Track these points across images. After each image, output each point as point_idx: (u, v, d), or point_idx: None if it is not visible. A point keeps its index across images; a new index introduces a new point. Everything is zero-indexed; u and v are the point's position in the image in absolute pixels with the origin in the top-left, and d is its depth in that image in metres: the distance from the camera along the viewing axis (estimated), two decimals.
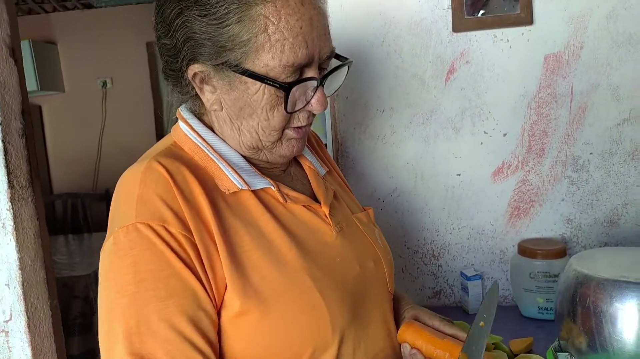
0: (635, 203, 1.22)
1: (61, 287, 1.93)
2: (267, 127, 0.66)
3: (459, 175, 1.25)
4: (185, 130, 0.70)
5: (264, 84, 0.62)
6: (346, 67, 0.69)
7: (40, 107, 3.92)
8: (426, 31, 1.19)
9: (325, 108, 0.66)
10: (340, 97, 1.23)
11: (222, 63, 0.62)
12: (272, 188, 0.68)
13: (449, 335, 0.72)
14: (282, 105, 0.63)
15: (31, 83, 3.52)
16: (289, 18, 0.60)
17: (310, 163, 0.79)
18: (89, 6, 4.21)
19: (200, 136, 0.69)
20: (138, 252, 0.59)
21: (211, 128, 0.71)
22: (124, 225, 0.60)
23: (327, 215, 0.72)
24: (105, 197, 3.24)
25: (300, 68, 0.63)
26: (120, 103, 3.84)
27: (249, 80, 0.62)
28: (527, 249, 1.18)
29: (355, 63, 1.23)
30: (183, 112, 0.72)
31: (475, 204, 1.26)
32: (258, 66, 0.61)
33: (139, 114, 3.81)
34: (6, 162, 1.23)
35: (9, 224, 1.25)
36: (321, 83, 0.65)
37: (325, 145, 1.27)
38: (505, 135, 1.22)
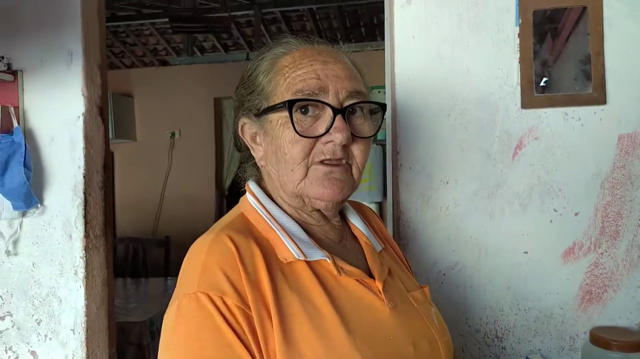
0: None
1: (118, 332, 1.98)
2: (291, 161, 0.70)
3: (526, 252, 1.20)
4: (252, 201, 0.76)
5: (278, 113, 0.70)
6: (381, 113, 0.76)
7: (112, 154, 4.20)
8: (494, 106, 1.19)
9: (345, 140, 0.69)
10: (403, 166, 1.24)
11: (253, 107, 0.74)
12: (328, 260, 0.70)
13: None
14: (303, 141, 0.70)
15: None
16: (303, 61, 0.71)
17: (366, 238, 0.80)
18: (164, 62, 4.56)
19: (264, 207, 0.75)
20: (197, 320, 0.63)
21: (269, 195, 0.78)
22: (188, 292, 0.64)
23: (381, 291, 0.72)
24: (164, 243, 3.36)
25: (316, 98, 0.70)
26: (186, 153, 4.06)
27: (271, 115, 0.72)
28: (600, 338, 1.10)
29: (420, 135, 1.24)
30: (250, 184, 0.80)
31: (544, 285, 1.20)
32: (274, 102, 0.72)
33: (202, 165, 4.01)
34: (85, 213, 1.32)
35: (81, 271, 1.32)
36: (340, 112, 0.69)
37: (383, 212, 1.26)
38: (576, 214, 1.17)
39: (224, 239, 0.67)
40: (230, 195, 4.18)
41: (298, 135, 0.69)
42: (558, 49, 1.16)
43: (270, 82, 0.72)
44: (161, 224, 4.03)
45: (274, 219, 0.73)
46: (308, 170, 0.70)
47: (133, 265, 3.17)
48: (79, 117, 1.34)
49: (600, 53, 1.13)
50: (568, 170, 1.17)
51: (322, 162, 0.70)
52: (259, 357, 0.62)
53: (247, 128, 0.76)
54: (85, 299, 1.32)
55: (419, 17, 1.22)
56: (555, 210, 1.18)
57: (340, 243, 0.77)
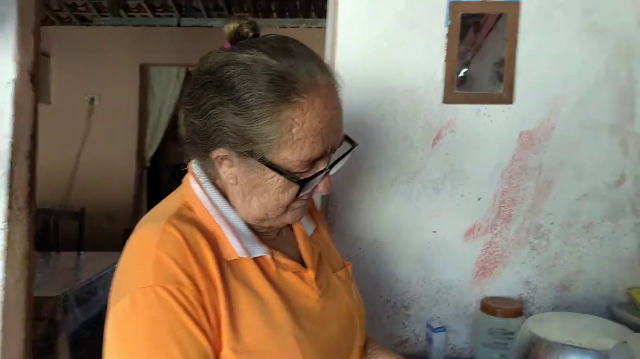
0: (587, 272, 1.34)
1: None
2: (277, 205, 0.72)
3: (435, 232, 1.35)
4: (198, 192, 0.75)
5: (280, 174, 0.69)
6: (351, 151, 0.77)
7: None
8: (419, 99, 1.31)
9: (329, 191, 0.74)
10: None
11: (246, 152, 0.69)
12: (268, 256, 0.75)
13: None
14: (294, 190, 0.71)
15: None
16: (313, 120, 0.67)
17: (300, 224, 0.85)
18: (83, 19, 4.23)
19: (211, 201, 0.74)
20: (155, 313, 0.63)
21: (222, 193, 0.76)
22: (143, 286, 0.64)
23: (313, 280, 0.79)
24: (79, 216, 3.16)
25: (314, 160, 0.70)
26: (105, 121, 3.83)
27: (268, 169, 0.69)
28: (488, 306, 1.26)
29: (352, 121, 1.32)
30: (196, 170, 0.77)
31: (447, 260, 1.35)
32: (278, 158, 0.68)
33: (123, 134, 3.81)
34: (10, 183, 1.25)
35: (1, 244, 1.26)
36: (329, 170, 0.72)
37: None
38: (479, 199, 1.34)
39: (171, 230, 0.68)
40: (153, 166, 4.01)
41: (288, 182, 0.69)
42: (477, 42, 1.27)
43: (274, 130, 0.66)
44: (74, 195, 3.80)
45: (220, 213, 0.74)
46: (287, 207, 0.74)
47: (43, 238, 2.96)
48: (8, 83, 1.26)
49: (513, 57, 1.28)
50: (476, 160, 1.32)
51: (299, 200, 0.74)
52: (215, 346, 0.66)
53: (220, 153, 0.71)
54: (4, 272, 1.27)
55: (360, 12, 1.30)
56: (462, 195, 1.34)
57: (278, 234, 0.82)
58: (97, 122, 3.85)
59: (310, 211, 0.93)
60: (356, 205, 1.35)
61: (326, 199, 1.34)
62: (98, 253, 2.86)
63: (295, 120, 0.66)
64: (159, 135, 3.90)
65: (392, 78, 1.31)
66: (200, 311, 0.65)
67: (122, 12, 4.09)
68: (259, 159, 0.69)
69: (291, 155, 0.68)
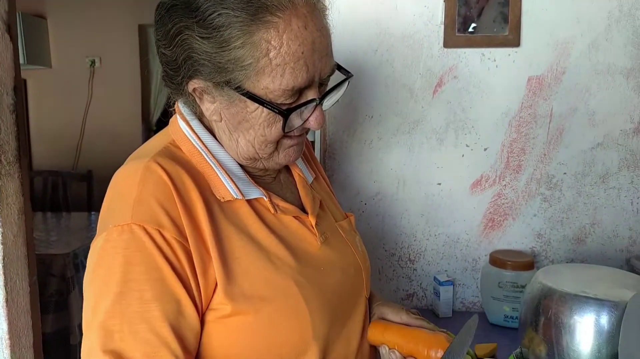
0: (602, 224, 1.29)
1: (38, 264, 1.93)
2: (264, 141, 0.67)
3: (440, 184, 1.30)
4: (185, 130, 0.70)
5: (263, 106, 0.63)
6: (346, 82, 0.70)
7: (25, 81, 3.86)
8: (418, 44, 1.24)
9: (322, 126, 0.68)
10: None
11: (223, 82, 0.63)
12: (265, 198, 0.70)
13: (416, 327, 0.76)
14: (280, 123, 0.65)
15: None
16: (291, 43, 0.60)
17: (299, 170, 0.81)
18: None
19: (199, 139, 0.70)
20: (129, 253, 0.60)
21: (210, 131, 0.71)
22: (119, 224, 0.61)
23: (313, 226, 0.74)
24: (87, 178, 3.21)
25: (300, 90, 0.64)
26: (107, 83, 3.79)
27: (250, 101, 0.63)
28: (497, 259, 1.24)
29: (349, 69, 1.27)
30: (183, 109, 0.72)
31: (453, 213, 1.31)
32: (258, 88, 0.62)
33: (126, 97, 3.78)
34: None
35: None
36: (320, 102, 0.66)
37: (313, 143, 1.30)
38: (485, 149, 1.28)
39: (156, 168, 0.63)
40: (159, 129, 3.97)
41: (273, 115, 0.64)
42: None
43: (248, 55, 0.61)
44: (82, 158, 3.82)
45: (211, 154, 0.69)
46: (279, 144, 0.68)
47: (53, 198, 3.02)
48: None
49: None
50: (481, 108, 1.26)
51: (291, 137, 0.68)
52: (197, 293, 0.62)
53: (196, 84, 0.65)
54: (0, 228, 1.27)
55: None
56: (467, 145, 1.28)
57: (275, 179, 0.78)
58: (100, 85, 3.81)
59: (309, 160, 0.89)
60: (355, 157, 1.30)
61: (324, 151, 1.30)
62: None
63: (271, 42, 0.60)
64: (163, 99, 3.87)
65: (389, 22, 1.23)
66: (182, 256, 0.61)
67: None
68: (236, 89, 0.63)
69: (272, 84, 0.62)
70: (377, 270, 1.35)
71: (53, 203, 3.17)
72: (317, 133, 1.32)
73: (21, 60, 3.50)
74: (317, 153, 1.33)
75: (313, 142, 1.34)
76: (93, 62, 3.80)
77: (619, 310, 0.88)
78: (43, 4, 3.80)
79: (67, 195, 3.12)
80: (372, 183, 1.31)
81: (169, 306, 0.60)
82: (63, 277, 2.11)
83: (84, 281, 0.64)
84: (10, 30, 1.26)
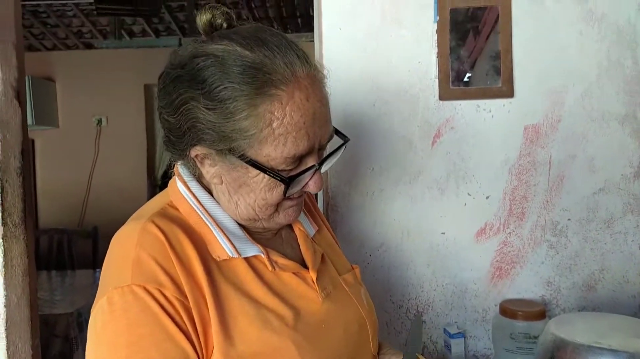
0: (611, 270, 1.27)
1: (42, 325, 1.90)
2: (265, 204, 0.68)
3: (444, 233, 1.30)
4: (183, 191, 0.72)
5: (264, 173, 0.65)
6: (343, 146, 0.72)
7: (33, 141, 3.95)
8: (415, 97, 1.27)
9: (320, 189, 0.70)
10: None
11: (226, 150, 0.65)
12: (262, 255, 0.70)
13: None
14: (281, 188, 0.66)
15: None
16: (294, 114, 0.63)
17: (300, 224, 0.81)
18: (89, 45, 4.33)
19: (197, 199, 0.71)
20: (133, 315, 0.60)
21: (209, 191, 0.73)
22: (120, 286, 0.61)
23: (314, 281, 0.74)
24: (92, 235, 3.23)
25: (301, 157, 0.66)
26: (114, 142, 3.89)
27: (252, 168, 0.65)
28: (508, 309, 1.21)
29: (348, 124, 1.30)
30: (182, 170, 0.73)
31: (459, 262, 1.30)
32: (260, 155, 0.64)
33: (132, 154, 3.86)
34: (2, 200, 1.25)
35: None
36: (319, 167, 0.68)
37: (316, 195, 1.32)
38: (487, 197, 1.28)
39: (152, 229, 0.65)
40: (164, 184, 4.02)
41: (274, 180, 0.66)
42: (478, 46, 1.24)
43: (252, 125, 0.62)
44: (88, 215, 3.86)
45: (208, 213, 0.70)
46: (277, 207, 0.70)
47: (58, 257, 3.02)
48: None
49: (509, 50, 1.24)
50: (480, 157, 1.27)
51: (291, 198, 0.71)
52: (199, 351, 0.62)
53: (199, 151, 0.67)
54: (4, 290, 1.26)
55: (344, 10, 1.27)
56: (469, 194, 1.29)
57: (276, 234, 0.78)
58: (106, 143, 3.91)
59: (312, 213, 0.90)
60: (358, 210, 1.30)
61: (326, 204, 1.30)
62: None
63: (275, 114, 0.62)
64: (168, 154, 3.93)
65: (384, 77, 1.27)
66: (183, 314, 0.61)
67: (124, 35, 4.17)
68: (240, 156, 0.65)
69: (274, 152, 0.64)
70: (385, 323, 1.32)
71: (58, 261, 3.17)
72: None
73: (29, 121, 3.61)
74: (320, 207, 1.34)
75: (316, 195, 1.35)
76: (100, 121, 3.91)
77: None
78: (52, 67, 3.96)
79: (72, 253, 3.12)
80: (376, 234, 1.31)
81: None
82: (66, 337, 2.07)
83: (87, 347, 0.63)
84: (19, 95, 1.31)
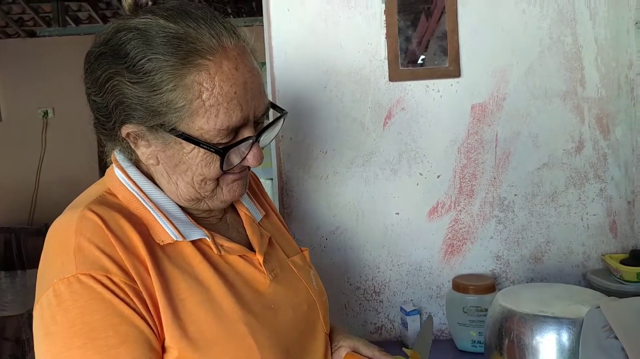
0: (557, 241, 1.32)
1: None
2: (203, 179, 0.67)
3: (397, 214, 1.32)
4: (121, 177, 0.70)
5: (199, 147, 0.64)
6: (282, 119, 0.72)
7: None
8: (365, 79, 1.28)
9: (260, 163, 0.69)
10: (285, 137, 1.28)
11: (157, 125, 0.64)
12: (207, 239, 0.69)
13: None
14: (218, 162, 0.65)
15: None
16: (223, 84, 0.62)
17: (246, 209, 0.81)
18: (31, 34, 4.11)
19: (136, 184, 0.69)
20: (83, 303, 0.58)
21: (148, 176, 0.71)
22: (64, 276, 0.59)
23: (261, 263, 0.74)
24: (42, 233, 3.09)
25: (236, 129, 0.66)
26: (61, 134, 3.73)
27: (184, 141, 0.64)
28: (460, 284, 1.25)
29: (300, 106, 1.29)
30: (118, 156, 0.72)
31: (413, 241, 1.32)
32: (193, 129, 0.63)
33: (82, 147, 3.71)
34: None
35: None
36: (257, 139, 0.68)
37: (270, 180, 1.30)
38: (438, 177, 1.31)
39: (90, 215, 0.63)
40: None
41: (210, 154, 0.65)
42: (430, 27, 1.25)
43: (180, 97, 0.61)
44: (38, 212, 3.70)
45: (148, 198, 0.69)
46: (218, 182, 0.69)
47: (6, 257, 2.89)
48: None
49: (455, 30, 1.25)
50: (430, 137, 1.30)
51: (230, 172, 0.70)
52: (156, 331, 0.61)
53: (129, 129, 0.65)
54: None
55: None
56: (420, 174, 1.31)
57: (221, 219, 0.77)
58: (54, 136, 3.75)
59: (258, 198, 0.89)
60: (313, 193, 1.30)
61: (281, 188, 1.30)
62: None
63: (204, 84, 0.61)
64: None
65: (335, 59, 1.27)
66: (135, 298, 0.60)
67: (70, 22, 3.99)
68: (171, 131, 0.63)
69: (206, 124, 0.63)
70: (344, 305, 1.34)
71: (7, 261, 3.03)
72: (274, 172, 1.32)
73: None
74: (274, 191, 1.33)
75: (270, 180, 1.35)
76: (46, 113, 3.74)
77: (577, 327, 0.90)
78: None
79: (22, 252, 2.99)
80: (331, 217, 1.31)
81: (136, 346, 0.59)
82: (18, 340, 2.00)
83: (36, 347, 0.60)
84: None
